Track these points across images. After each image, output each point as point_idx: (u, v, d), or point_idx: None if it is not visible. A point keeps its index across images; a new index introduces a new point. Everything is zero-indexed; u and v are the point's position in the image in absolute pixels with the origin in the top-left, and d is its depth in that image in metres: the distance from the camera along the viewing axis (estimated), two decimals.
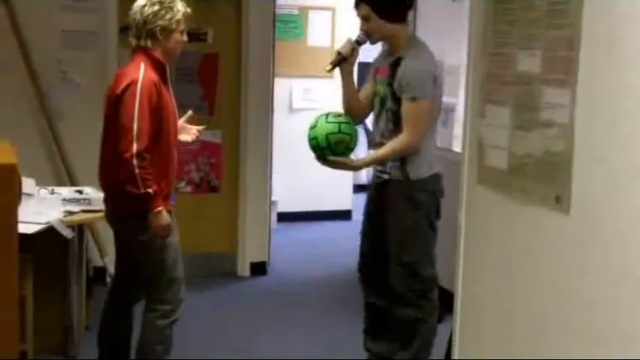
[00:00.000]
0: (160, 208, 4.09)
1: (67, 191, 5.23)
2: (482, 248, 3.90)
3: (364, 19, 4.46)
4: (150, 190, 4.01)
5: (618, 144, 2.92)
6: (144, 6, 4.10)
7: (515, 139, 3.50)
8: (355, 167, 4.55)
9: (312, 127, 4.41)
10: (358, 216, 9.02)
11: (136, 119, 3.96)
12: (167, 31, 4.12)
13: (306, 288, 6.75)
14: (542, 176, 3.32)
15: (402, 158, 4.42)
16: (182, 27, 4.17)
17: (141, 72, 4.03)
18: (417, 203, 4.45)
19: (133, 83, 4.00)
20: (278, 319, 5.96)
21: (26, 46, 6.09)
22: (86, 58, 6.31)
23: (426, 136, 4.46)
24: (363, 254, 4.82)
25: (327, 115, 4.44)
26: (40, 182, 5.21)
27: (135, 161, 3.94)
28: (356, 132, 4.41)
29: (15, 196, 3.00)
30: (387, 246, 4.54)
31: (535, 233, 3.40)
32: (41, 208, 4.73)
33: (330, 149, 4.36)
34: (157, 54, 4.13)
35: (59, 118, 6.23)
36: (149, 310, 4.30)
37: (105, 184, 4.30)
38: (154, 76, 4.06)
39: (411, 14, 6.61)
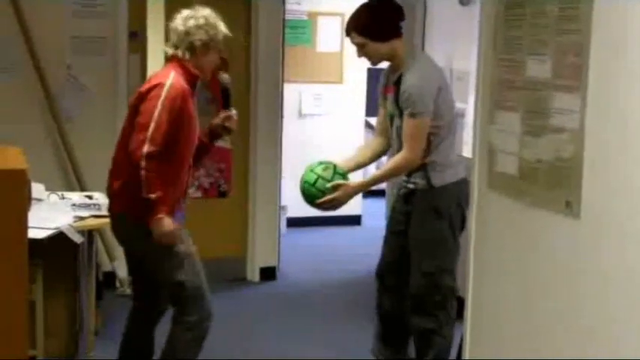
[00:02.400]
0: (161, 215, 3.96)
1: (76, 196, 5.24)
2: (492, 253, 3.89)
3: (359, 46, 4.46)
4: (153, 195, 3.91)
5: (629, 149, 2.91)
6: (189, 18, 4.13)
7: (526, 144, 3.50)
8: (356, 189, 4.53)
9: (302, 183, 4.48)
10: (368, 221, 9.13)
11: (154, 120, 3.91)
12: (206, 47, 4.14)
13: (315, 293, 6.75)
14: (553, 181, 3.31)
15: (424, 166, 4.42)
16: (219, 48, 4.20)
17: (170, 76, 4.03)
18: (441, 213, 4.45)
19: (159, 85, 3.99)
20: (288, 324, 5.96)
21: (36, 51, 6.11)
22: (96, 64, 6.33)
23: (446, 143, 4.46)
24: (384, 262, 4.80)
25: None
26: (50, 187, 5.22)
27: (143, 163, 3.88)
28: (336, 165, 4.47)
29: (25, 201, 3.01)
30: (408, 254, 4.54)
31: (546, 238, 3.39)
32: (51, 214, 4.73)
33: (321, 178, 4.39)
34: (191, 67, 4.14)
35: (68, 123, 6.25)
36: (176, 323, 4.22)
37: (113, 185, 4.20)
38: (183, 83, 4.05)
39: (420, 19, 6.68)
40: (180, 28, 4.13)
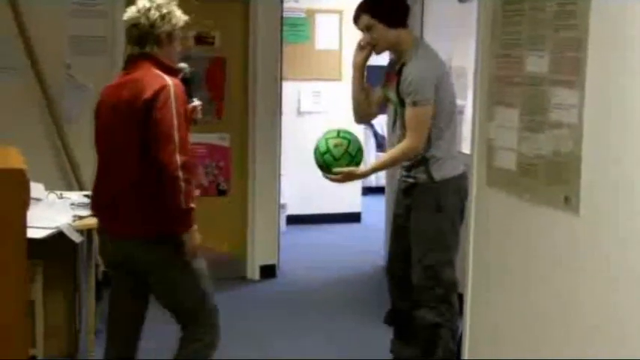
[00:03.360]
0: (195, 227, 3.76)
1: (75, 196, 5.24)
2: (491, 249, 3.89)
3: (367, 29, 4.48)
4: (192, 205, 3.68)
5: (628, 143, 2.91)
6: (148, 10, 3.81)
7: (524, 140, 3.50)
8: (359, 176, 4.56)
9: (315, 146, 4.49)
10: (367, 218, 9.13)
11: (176, 128, 3.62)
12: (171, 37, 3.85)
13: (315, 291, 6.75)
14: (552, 177, 3.31)
15: (425, 161, 4.43)
16: (181, 35, 3.93)
17: (165, 77, 3.71)
18: (442, 206, 4.45)
19: (164, 88, 3.66)
20: (288, 322, 5.95)
21: (34, 51, 6.11)
22: (94, 63, 6.33)
23: (450, 137, 4.48)
24: (391, 257, 4.80)
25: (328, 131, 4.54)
26: (49, 187, 5.21)
27: (180, 174, 3.60)
28: (356, 139, 4.47)
29: (24, 201, 3.00)
30: (411, 248, 4.54)
31: (545, 234, 3.39)
32: (50, 213, 4.73)
33: (330, 154, 4.39)
34: (167, 61, 3.82)
35: (67, 123, 6.25)
36: (191, 341, 3.95)
37: (120, 208, 3.79)
38: (178, 82, 3.77)
39: (418, 16, 6.67)
40: (144, 21, 3.78)
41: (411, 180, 4.52)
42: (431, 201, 4.46)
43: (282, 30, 7.05)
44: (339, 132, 4.47)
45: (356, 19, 4.52)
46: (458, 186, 4.47)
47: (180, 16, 3.89)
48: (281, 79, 7.01)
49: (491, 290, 3.89)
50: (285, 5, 7.47)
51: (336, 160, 4.41)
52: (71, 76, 6.26)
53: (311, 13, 8.80)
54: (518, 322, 3.62)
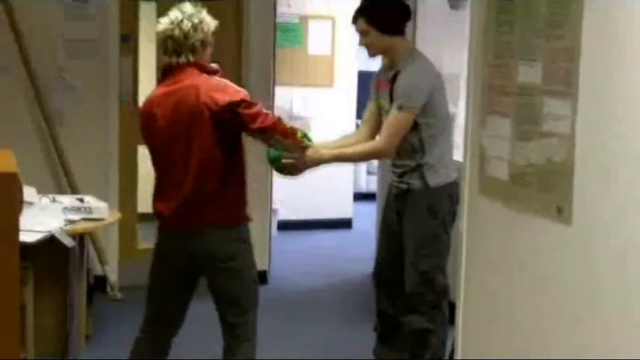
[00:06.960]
0: None
1: (68, 200, 5.23)
2: (484, 258, 3.89)
3: (363, 33, 4.52)
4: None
5: (621, 155, 2.92)
6: (181, 21, 3.86)
7: (517, 149, 3.50)
8: (324, 157, 4.34)
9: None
10: (358, 225, 9.14)
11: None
12: (204, 44, 3.93)
13: (307, 297, 6.75)
14: (544, 187, 3.32)
15: (420, 167, 4.45)
16: (212, 40, 4.01)
17: (228, 82, 4.03)
18: (436, 212, 4.48)
19: (245, 95, 3.97)
20: (279, 327, 5.94)
21: (27, 54, 6.10)
22: (87, 66, 6.33)
23: (443, 144, 4.51)
24: (380, 262, 4.82)
25: None
26: (41, 190, 5.21)
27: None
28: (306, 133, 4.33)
29: (16, 204, 2.99)
30: (403, 254, 4.55)
31: (537, 244, 3.39)
32: (42, 217, 4.73)
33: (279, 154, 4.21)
34: (209, 66, 3.98)
35: (60, 126, 6.24)
36: (245, 340, 4.20)
37: (215, 200, 3.93)
38: None
39: (410, 23, 6.68)
40: (178, 33, 3.85)
41: (403, 186, 4.54)
42: (425, 207, 4.48)
43: (275, 35, 7.07)
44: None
45: (354, 21, 4.56)
46: (450, 192, 4.49)
47: (210, 22, 3.95)
48: (274, 84, 7.02)
49: (483, 299, 3.90)
50: (279, 11, 7.49)
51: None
52: (64, 79, 6.25)
53: (304, 19, 8.82)
54: (510, 331, 3.63)
